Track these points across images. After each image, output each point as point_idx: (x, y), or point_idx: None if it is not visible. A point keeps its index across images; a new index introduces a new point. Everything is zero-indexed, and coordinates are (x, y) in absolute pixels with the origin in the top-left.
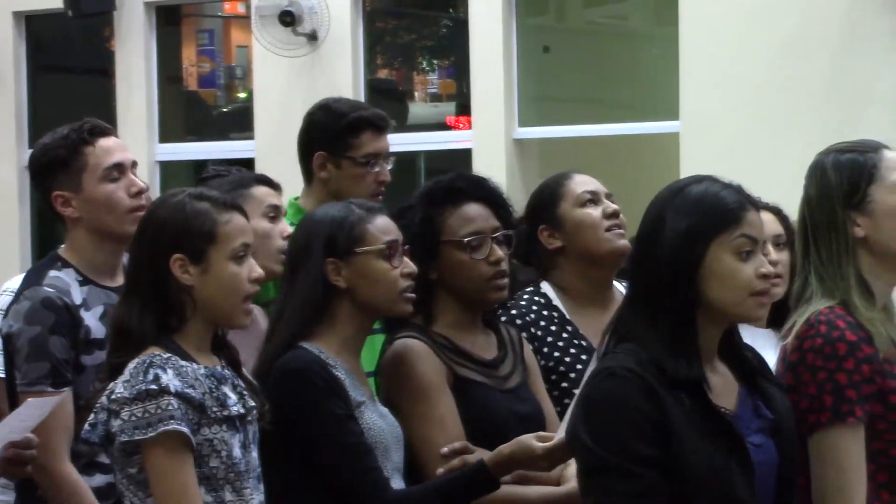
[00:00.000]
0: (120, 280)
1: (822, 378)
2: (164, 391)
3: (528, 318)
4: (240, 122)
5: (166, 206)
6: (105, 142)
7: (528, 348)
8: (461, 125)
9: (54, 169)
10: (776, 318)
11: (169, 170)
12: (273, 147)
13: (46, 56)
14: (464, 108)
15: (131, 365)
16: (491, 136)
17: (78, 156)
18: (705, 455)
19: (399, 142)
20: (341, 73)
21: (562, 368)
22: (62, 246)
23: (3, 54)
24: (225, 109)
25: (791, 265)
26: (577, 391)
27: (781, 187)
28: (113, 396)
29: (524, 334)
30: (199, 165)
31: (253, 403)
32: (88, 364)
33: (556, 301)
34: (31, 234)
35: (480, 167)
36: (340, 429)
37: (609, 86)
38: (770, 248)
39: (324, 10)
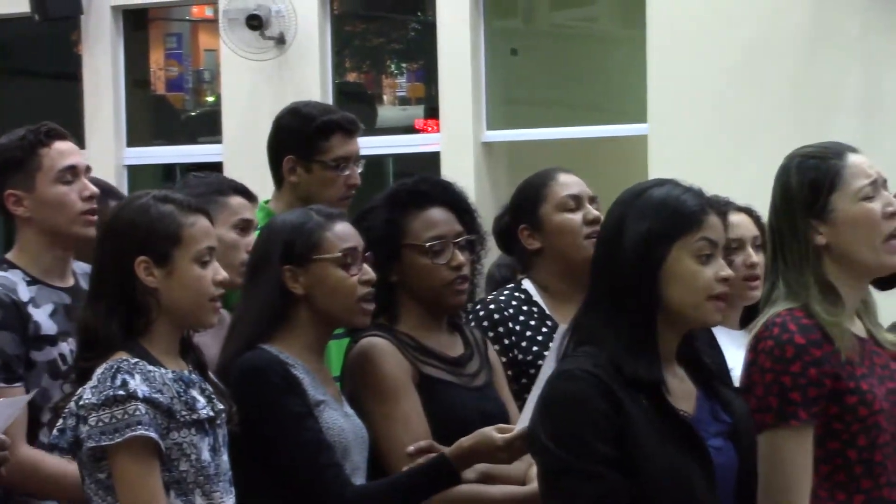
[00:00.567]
0: (70, 281)
1: (769, 380)
2: (131, 396)
3: (507, 313)
4: (208, 126)
5: (131, 209)
6: (61, 145)
7: (492, 349)
8: (430, 128)
9: (9, 168)
10: (752, 320)
11: (137, 173)
12: (241, 151)
13: (13, 60)
14: (432, 112)
15: (99, 370)
16: (459, 139)
17: (33, 156)
18: (665, 456)
19: (367, 145)
20: (309, 77)
21: (540, 363)
22: (11, 251)
23: None
24: (193, 113)
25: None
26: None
27: (750, 190)
28: (81, 402)
29: (502, 328)
30: (168, 169)
31: (221, 406)
32: (39, 360)
33: (537, 297)
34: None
35: (449, 170)
36: (298, 426)
37: (577, 88)
38: (751, 250)
39: (291, 13)
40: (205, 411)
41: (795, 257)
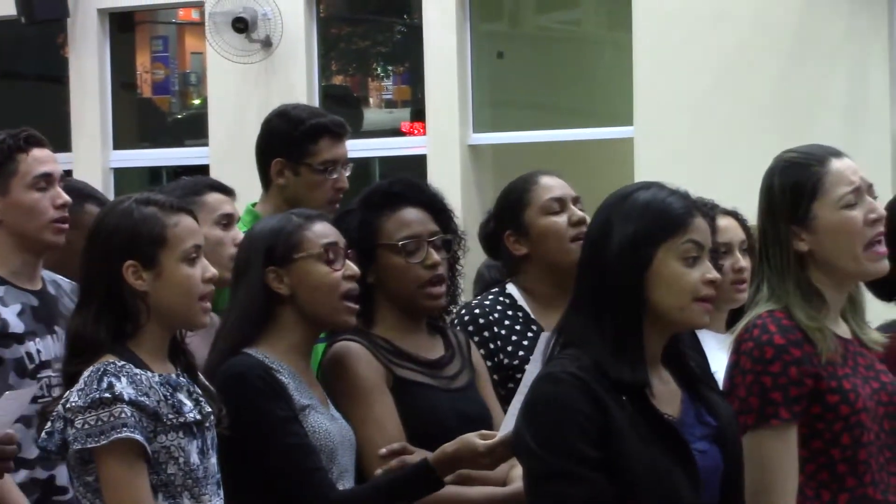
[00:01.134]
0: (38, 285)
1: (750, 381)
2: (117, 399)
3: (492, 318)
4: (194, 129)
5: (114, 214)
6: (38, 152)
7: (475, 351)
8: (416, 131)
9: None
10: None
11: (123, 176)
12: (227, 153)
13: None
14: (418, 114)
15: (86, 373)
16: (445, 141)
17: (10, 161)
18: (649, 459)
19: (354, 148)
20: (296, 80)
21: (527, 367)
22: None
23: None
24: (179, 116)
25: (751, 270)
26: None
27: (735, 192)
28: (68, 405)
29: (487, 333)
30: (154, 172)
31: (210, 409)
32: (7, 357)
33: (522, 301)
34: None
35: (435, 173)
36: (283, 430)
37: (563, 91)
38: (738, 254)
39: (277, 16)
40: (191, 415)
41: (778, 261)
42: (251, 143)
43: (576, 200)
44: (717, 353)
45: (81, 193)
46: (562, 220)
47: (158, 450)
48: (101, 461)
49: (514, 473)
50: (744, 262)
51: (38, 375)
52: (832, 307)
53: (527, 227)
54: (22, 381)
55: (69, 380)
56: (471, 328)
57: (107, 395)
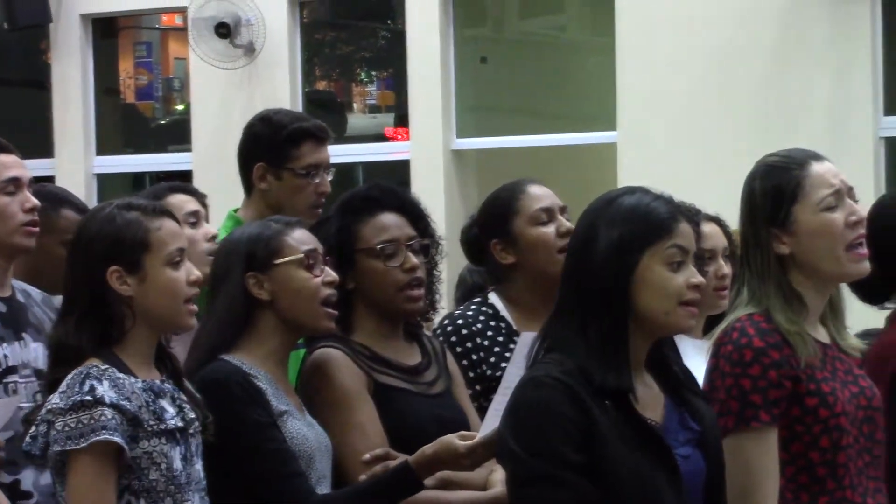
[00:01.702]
0: (7, 292)
1: (730, 384)
2: (98, 402)
3: (474, 328)
4: (177, 134)
5: (96, 220)
6: (4, 157)
7: (451, 358)
8: (399, 136)
9: None
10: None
11: (106, 182)
12: (211, 159)
13: None
14: (402, 119)
15: (69, 376)
16: (429, 146)
17: None
18: (632, 464)
19: (337, 153)
20: (279, 85)
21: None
22: None
23: None
24: (162, 121)
25: (732, 276)
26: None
27: (718, 197)
28: (50, 407)
29: (470, 343)
30: (137, 178)
31: (194, 416)
32: None
33: (504, 312)
34: None
35: (418, 178)
36: (262, 436)
37: (546, 96)
38: (721, 261)
39: (260, 22)
40: (173, 421)
41: (758, 265)
42: (234, 148)
43: (563, 210)
44: (695, 359)
45: (57, 198)
46: (550, 230)
47: (140, 455)
48: (74, 462)
49: (494, 478)
50: (726, 268)
51: (4, 380)
52: (812, 311)
53: (515, 237)
54: None
55: (51, 387)
56: (453, 339)
57: (88, 397)
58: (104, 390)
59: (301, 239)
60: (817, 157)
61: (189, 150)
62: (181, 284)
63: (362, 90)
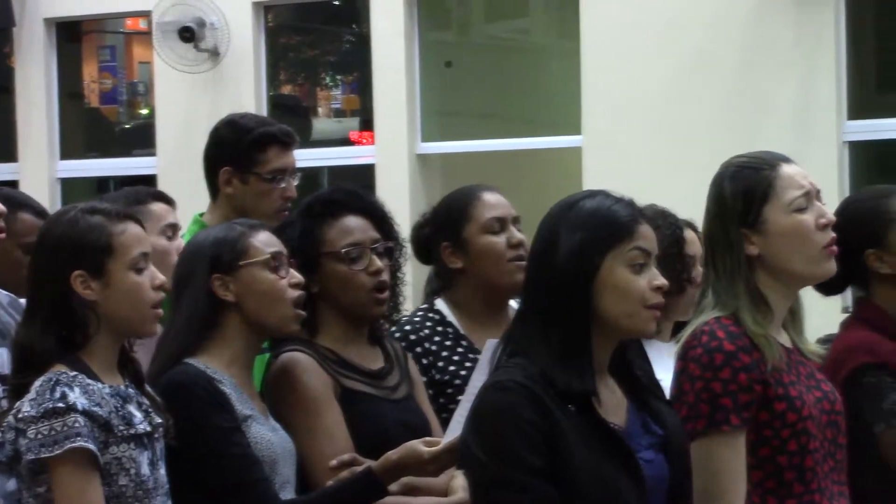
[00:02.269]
0: None
1: (700, 387)
2: (71, 409)
3: (422, 334)
4: (142, 139)
5: (60, 224)
6: None
7: (412, 362)
8: (364, 140)
9: None
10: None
11: (70, 187)
12: (175, 163)
13: None
14: (367, 124)
15: (37, 383)
16: (394, 151)
17: None
18: (595, 468)
19: (302, 157)
20: (244, 89)
21: (457, 382)
22: None
23: None
24: (127, 126)
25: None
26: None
27: (684, 200)
28: (20, 415)
29: (419, 349)
30: (101, 182)
31: (159, 420)
32: None
33: (451, 317)
34: None
35: (384, 182)
36: (226, 441)
37: (511, 100)
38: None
39: (224, 26)
40: (142, 426)
41: (727, 266)
42: (199, 152)
43: (516, 220)
44: (666, 363)
45: (15, 201)
46: (501, 240)
47: (110, 461)
48: (54, 471)
49: (456, 483)
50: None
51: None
52: (777, 315)
53: (465, 243)
54: None
55: (16, 392)
56: (403, 345)
57: (60, 404)
58: (76, 397)
59: (266, 241)
60: (786, 160)
61: (154, 154)
62: (145, 289)
63: (327, 94)
